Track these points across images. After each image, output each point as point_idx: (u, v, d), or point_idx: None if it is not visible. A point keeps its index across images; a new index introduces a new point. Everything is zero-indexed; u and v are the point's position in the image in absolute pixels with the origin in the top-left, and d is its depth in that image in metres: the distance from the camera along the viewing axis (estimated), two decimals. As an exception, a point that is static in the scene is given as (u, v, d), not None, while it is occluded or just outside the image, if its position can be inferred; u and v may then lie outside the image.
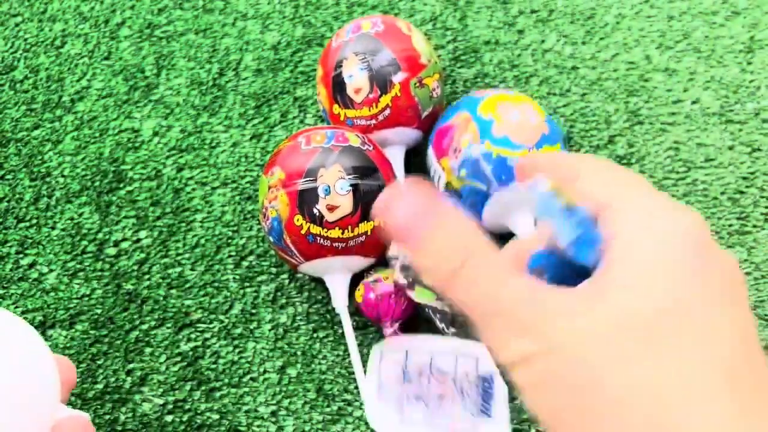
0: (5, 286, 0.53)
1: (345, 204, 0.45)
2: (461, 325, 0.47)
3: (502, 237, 0.49)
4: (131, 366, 0.50)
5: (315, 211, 0.45)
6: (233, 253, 0.54)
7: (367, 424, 0.47)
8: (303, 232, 0.45)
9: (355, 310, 0.50)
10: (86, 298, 0.52)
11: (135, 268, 0.53)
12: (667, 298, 0.20)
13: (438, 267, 0.22)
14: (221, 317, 0.51)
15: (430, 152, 0.51)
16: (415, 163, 0.54)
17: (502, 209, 0.48)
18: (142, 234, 0.55)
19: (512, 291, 0.21)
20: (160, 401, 0.48)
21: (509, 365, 0.21)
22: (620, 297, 0.20)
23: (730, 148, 0.57)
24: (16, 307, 0.52)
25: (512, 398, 0.45)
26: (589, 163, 0.25)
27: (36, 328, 0.51)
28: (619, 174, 0.25)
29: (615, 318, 0.20)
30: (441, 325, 0.47)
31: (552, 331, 0.20)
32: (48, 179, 0.58)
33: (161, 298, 0.52)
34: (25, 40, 0.65)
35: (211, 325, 0.51)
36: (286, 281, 0.52)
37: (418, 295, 0.46)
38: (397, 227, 0.22)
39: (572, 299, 0.21)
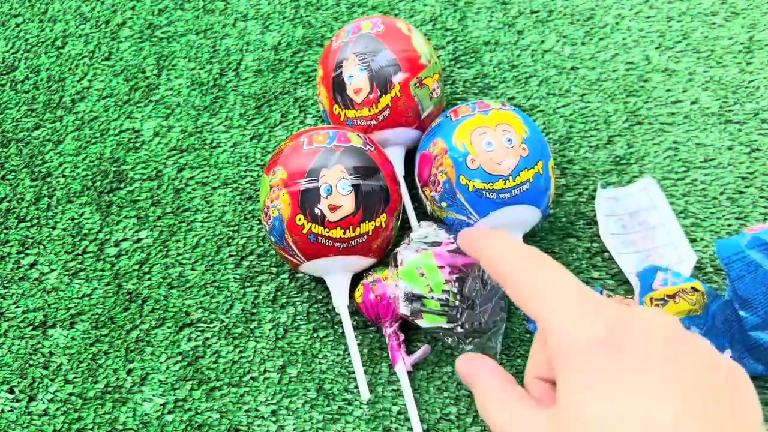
0: (6, 285, 0.53)
1: (347, 204, 0.45)
2: (475, 340, 0.47)
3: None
4: (132, 365, 0.50)
5: (317, 210, 0.45)
6: (234, 253, 0.54)
7: (366, 423, 0.47)
8: (305, 231, 0.45)
9: (355, 310, 0.50)
10: (87, 298, 0.52)
11: (136, 267, 0.53)
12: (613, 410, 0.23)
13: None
14: (222, 317, 0.51)
15: (416, 177, 0.51)
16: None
17: None
18: (143, 234, 0.55)
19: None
20: (161, 401, 0.48)
21: None
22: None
23: (729, 148, 0.57)
24: (17, 307, 0.52)
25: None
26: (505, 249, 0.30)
27: (37, 327, 0.52)
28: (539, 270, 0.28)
29: None
30: (453, 344, 0.48)
31: None
32: (49, 179, 0.58)
33: (162, 298, 0.52)
34: (26, 40, 0.65)
35: (211, 325, 0.51)
36: (287, 281, 0.52)
37: (426, 321, 0.46)
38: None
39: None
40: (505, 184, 0.46)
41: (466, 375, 0.31)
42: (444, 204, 0.48)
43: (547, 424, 0.25)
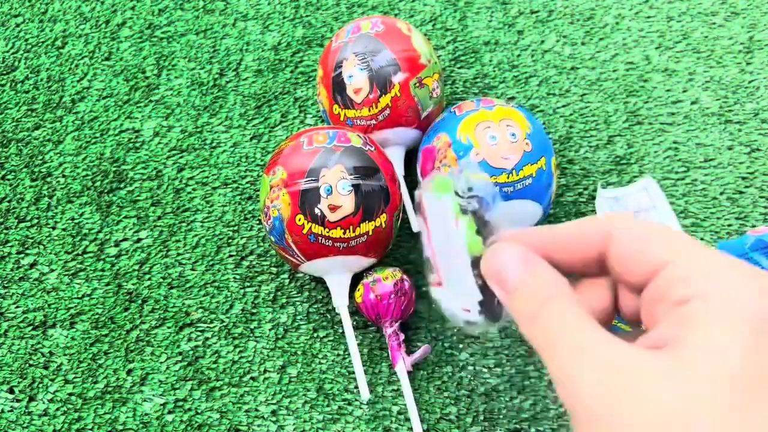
0: (6, 285, 0.53)
1: (347, 204, 0.45)
2: (495, 313, 0.46)
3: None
4: (132, 365, 0.50)
5: (317, 210, 0.45)
6: (234, 253, 0.54)
7: (366, 423, 0.47)
8: (305, 231, 0.45)
9: (355, 310, 0.50)
10: (87, 298, 0.52)
11: (136, 267, 0.53)
12: (746, 367, 0.20)
13: (521, 310, 0.24)
14: (222, 317, 0.51)
15: (418, 171, 0.51)
16: (415, 163, 0.55)
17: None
18: (143, 234, 0.55)
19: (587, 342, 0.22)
20: (161, 401, 0.48)
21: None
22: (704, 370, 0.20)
23: (729, 148, 0.57)
24: (17, 307, 0.52)
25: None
26: (623, 225, 0.24)
27: (37, 327, 0.52)
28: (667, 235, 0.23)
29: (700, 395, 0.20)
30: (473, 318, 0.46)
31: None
32: (49, 179, 0.58)
33: (162, 298, 0.52)
34: (26, 40, 0.65)
35: (211, 325, 0.51)
36: (287, 281, 0.52)
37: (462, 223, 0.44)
38: (493, 273, 0.25)
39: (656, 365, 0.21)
40: (507, 178, 0.46)
41: (518, 263, 0.24)
42: None
43: (662, 368, 0.21)
